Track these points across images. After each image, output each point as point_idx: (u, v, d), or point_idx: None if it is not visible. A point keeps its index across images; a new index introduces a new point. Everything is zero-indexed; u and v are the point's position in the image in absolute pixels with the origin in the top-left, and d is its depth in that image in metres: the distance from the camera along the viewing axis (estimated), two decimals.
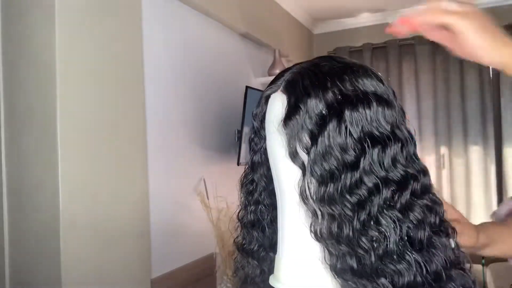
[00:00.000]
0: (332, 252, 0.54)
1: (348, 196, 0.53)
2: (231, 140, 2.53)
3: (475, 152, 3.52)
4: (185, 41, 2.25)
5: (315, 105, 0.56)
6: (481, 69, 3.47)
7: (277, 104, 0.60)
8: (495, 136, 3.43)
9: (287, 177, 0.60)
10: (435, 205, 0.56)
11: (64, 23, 1.45)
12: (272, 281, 0.63)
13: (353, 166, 0.53)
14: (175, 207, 2.12)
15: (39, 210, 1.47)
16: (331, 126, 0.55)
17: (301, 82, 0.58)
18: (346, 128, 0.54)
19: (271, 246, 0.67)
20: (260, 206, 0.67)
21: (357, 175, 0.53)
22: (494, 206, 3.35)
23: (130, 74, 1.74)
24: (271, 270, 0.66)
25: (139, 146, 1.77)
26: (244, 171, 0.70)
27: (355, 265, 0.52)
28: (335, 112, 0.55)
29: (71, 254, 1.45)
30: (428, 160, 3.65)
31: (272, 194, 0.66)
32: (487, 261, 2.38)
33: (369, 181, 0.53)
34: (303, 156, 0.56)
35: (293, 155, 0.57)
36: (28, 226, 1.50)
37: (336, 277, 0.54)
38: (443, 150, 3.63)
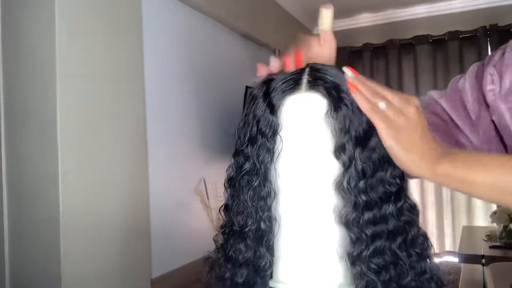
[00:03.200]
0: (358, 238, 0.58)
1: (382, 186, 0.59)
2: (231, 140, 2.52)
3: None
4: (185, 41, 2.25)
5: None
6: None
7: (317, 103, 0.59)
8: None
9: (319, 173, 0.60)
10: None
11: (63, 20, 1.45)
12: (273, 283, 0.63)
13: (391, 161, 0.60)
14: (175, 207, 2.11)
15: (39, 210, 1.47)
16: None
17: (343, 84, 0.60)
18: None
19: (261, 252, 0.65)
20: (251, 212, 0.64)
21: (394, 165, 0.60)
22: (494, 207, 3.35)
23: (130, 74, 1.73)
24: (260, 273, 0.64)
25: (139, 145, 1.77)
26: (230, 178, 0.67)
27: (371, 252, 0.57)
28: None
29: (71, 253, 1.45)
30: None
31: (261, 199, 0.63)
32: (487, 260, 2.38)
33: (399, 171, 0.60)
34: (349, 150, 0.58)
35: (342, 149, 0.58)
36: (28, 225, 1.49)
37: (352, 265, 0.58)
38: None
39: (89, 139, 1.53)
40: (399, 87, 3.71)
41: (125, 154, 1.68)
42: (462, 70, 3.50)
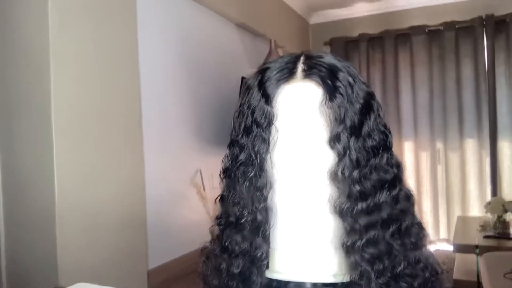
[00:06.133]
0: (352, 228, 0.57)
1: (376, 174, 0.59)
2: (227, 131, 2.52)
3: (470, 144, 3.54)
4: (180, 31, 2.23)
5: (358, 92, 0.60)
6: (476, 58, 3.47)
7: (312, 92, 0.59)
8: (490, 129, 3.45)
9: (314, 163, 0.59)
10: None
11: (57, 10, 1.43)
12: (270, 273, 0.63)
13: (389, 147, 0.61)
14: (171, 199, 2.11)
15: (35, 201, 1.46)
16: (373, 113, 0.60)
17: (339, 73, 0.59)
18: (379, 115, 0.62)
19: (257, 242, 0.64)
20: (247, 203, 0.64)
21: (390, 153, 0.61)
22: (489, 197, 3.38)
23: (124, 65, 1.72)
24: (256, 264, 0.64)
25: (135, 136, 1.76)
26: (225, 169, 0.67)
27: (365, 242, 0.57)
28: (373, 100, 0.61)
29: (67, 243, 1.45)
30: (424, 155, 3.67)
31: (257, 189, 0.63)
32: (481, 250, 2.41)
33: (395, 159, 0.61)
34: (343, 139, 0.58)
35: (336, 138, 0.58)
36: (24, 216, 1.49)
37: (346, 255, 0.58)
38: (439, 145, 3.64)
39: (83, 131, 1.52)
40: (395, 77, 3.70)
41: (120, 145, 1.67)
42: (458, 61, 3.51)
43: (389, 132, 0.62)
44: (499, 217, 2.76)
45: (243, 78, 2.40)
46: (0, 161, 1.53)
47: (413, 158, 3.69)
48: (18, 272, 1.52)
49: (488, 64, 3.46)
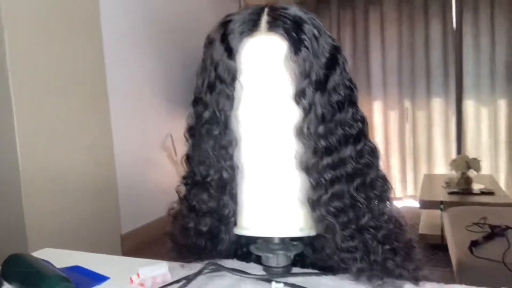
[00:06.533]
0: (318, 183, 0.57)
1: (341, 129, 0.58)
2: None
3: (437, 103, 3.62)
4: None
5: (324, 46, 0.58)
6: (445, 18, 3.49)
7: (277, 46, 0.57)
8: (457, 88, 3.53)
9: (280, 119, 0.58)
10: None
11: None
12: (237, 230, 0.64)
13: (354, 102, 0.60)
14: (142, 164, 2.09)
15: None
16: (339, 67, 0.59)
17: (304, 25, 0.58)
18: (345, 70, 0.60)
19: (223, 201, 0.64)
20: (212, 162, 0.63)
21: (355, 108, 0.60)
22: (454, 155, 3.50)
23: (86, 26, 1.64)
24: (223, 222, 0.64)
25: (100, 100, 1.71)
26: (190, 127, 0.65)
27: (330, 196, 0.57)
28: (339, 54, 0.60)
29: (35, 212, 1.42)
30: (393, 114, 3.74)
31: (223, 148, 0.62)
32: (445, 206, 2.51)
33: (360, 114, 0.60)
34: (309, 94, 0.57)
35: (302, 94, 0.56)
36: None
37: (312, 209, 0.58)
38: (407, 103, 3.71)
39: (45, 94, 1.46)
40: (365, 38, 3.70)
41: (85, 109, 1.62)
42: (427, 20, 3.53)
43: (355, 87, 0.61)
44: (463, 174, 2.87)
45: None
46: None
47: (381, 118, 3.76)
48: None
49: (456, 24, 3.49)
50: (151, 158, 2.15)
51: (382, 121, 3.76)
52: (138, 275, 0.64)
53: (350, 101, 0.59)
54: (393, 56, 3.67)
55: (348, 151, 0.58)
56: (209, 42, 0.62)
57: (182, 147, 2.20)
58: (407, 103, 3.70)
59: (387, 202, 0.62)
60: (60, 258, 0.74)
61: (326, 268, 0.63)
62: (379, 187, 0.61)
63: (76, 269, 0.72)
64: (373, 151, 0.61)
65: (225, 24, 0.61)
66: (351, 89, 0.60)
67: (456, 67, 3.50)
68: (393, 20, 3.63)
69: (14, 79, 1.35)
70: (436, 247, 2.55)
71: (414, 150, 3.74)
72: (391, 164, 3.81)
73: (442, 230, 2.50)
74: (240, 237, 0.66)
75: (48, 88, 1.47)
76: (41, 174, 1.45)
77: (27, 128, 1.39)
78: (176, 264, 0.66)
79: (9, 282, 0.64)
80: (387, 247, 0.58)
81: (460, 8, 3.44)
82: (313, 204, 0.59)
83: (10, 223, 1.43)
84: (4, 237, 1.44)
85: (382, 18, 3.66)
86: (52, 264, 0.67)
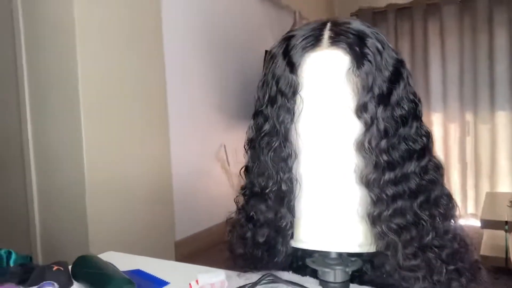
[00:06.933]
0: (379, 198, 0.57)
1: (405, 144, 0.57)
2: (251, 106, 2.51)
3: (502, 118, 3.41)
4: (203, 6, 2.21)
5: (387, 59, 0.58)
6: (511, 28, 3.31)
7: (339, 60, 0.57)
8: None
9: (340, 133, 0.58)
10: None
11: None
12: (294, 243, 0.64)
13: (418, 117, 0.59)
14: (197, 173, 2.14)
15: (66, 175, 1.51)
16: (403, 81, 0.58)
17: (367, 39, 0.58)
18: (409, 83, 0.59)
19: (282, 212, 0.64)
20: (274, 173, 0.63)
21: (419, 123, 0.59)
22: None
23: (149, 40, 1.72)
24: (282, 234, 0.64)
25: (160, 112, 1.78)
26: (250, 139, 0.65)
27: (392, 212, 0.56)
28: (403, 67, 0.59)
29: (97, 215, 1.49)
30: (453, 127, 3.57)
31: (282, 160, 0.62)
32: (511, 226, 2.36)
33: (425, 129, 0.60)
34: (371, 109, 0.56)
35: (363, 107, 0.56)
36: (55, 189, 1.54)
37: (372, 225, 0.57)
38: (468, 116, 3.53)
39: (110, 105, 1.54)
40: (424, 50, 3.58)
41: (146, 122, 1.69)
42: (491, 31, 3.35)
43: (419, 100, 0.60)
44: None
45: (266, 51, 2.37)
46: (32, 137, 1.58)
47: (441, 131, 3.60)
48: (51, 241, 1.59)
49: None
50: (205, 167, 2.20)
51: (442, 134, 3.60)
52: (197, 281, 0.65)
53: (415, 115, 0.58)
54: (454, 67, 3.52)
55: (411, 166, 0.57)
56: (271, 57, 0.63)
57: (234, 157, 2.24)
58: (469, 116, 3.52)
59: (452, 221, 0.60)
60: (123, 261, 0.78)
61: (386, 286, 0.61)
62: (443, 204, 0.59)
63: (138, 273, 0.75)
64: (438, 167, 0.60)
65: (287, 39, 0.61)
66: (415, 103, 0.59)
67: None
68: (454, 31, 3.48)
69: (83, 92, 1.44)
70: (500, 270, 2.39)
71: (476, 165, 3.55)
72: (451, 180, 3.63)
73: (507, 252, 2.34)
74: (296, 249, 0.66)
75: (113, 102, 1.56)
76: (104, 181, 1.52)
77: (93, 138, 1.48)
78: (233, 273, 0.67)
79: (78, 281, 0.68)
80: (452, 267, 0.56)
81: None
82: (374, 219, 0.57)
83: (74, 227, 1.51)
84: (68, 239, 1.53)
85: (442, 29, 3.52)
86: (116, 267, 0.70)
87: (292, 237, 0.66)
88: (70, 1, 1.42)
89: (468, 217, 3.63)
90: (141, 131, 1.68)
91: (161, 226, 1.79)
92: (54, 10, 1.47)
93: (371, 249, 0.60)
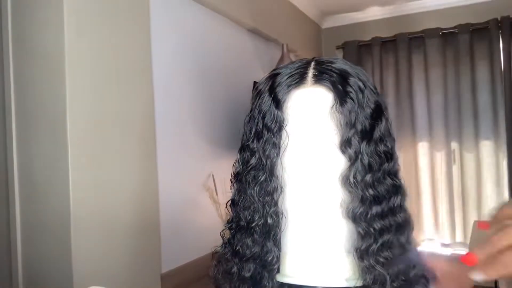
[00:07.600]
0: (367, 232, 0.58)
1: (389, 179, 0.60)
2: (239, 136, 2.53)
3: (486, 146, 3.48)
4: (192, 37, 2.25)
5: (369, 97, 0.60)
6: (492, 61, 3.42)
7: (323, 97, 0.59)
8: (507, 130, 3.39)
9: (326, 167, 0.59)
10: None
11: (72, 21, 1.46)
12: (280, 277, 0.63)
13: (394, 154, 0.62)
14: (184, 203, 2.13)
15: (50, 207, 1.48)
16: (384, 119, 0.62)
17: (349, 78, 0.60)
18: (388, 122, 0.63)
19: (267, 246, 0.64)
20: (257, 207, 0.64)
21: (396, 161, 0.62)
22: (507, 199, 3.31)
23: (138, 71, 1.74)
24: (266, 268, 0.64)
25: (148, 142, 1.78)
26: (236, 173, 0.66)
27: (380, 246, 0.57)
28: (384, 106, 0.62)
29: (82, 249, 1.46)
30: (439, 155, 3.62)
31: (268, 194, 0.63)
32: None
33: (398, 168, 0.62)
34: (355, 144, 0.58)
35: (347, 143, 0.58)
36: (39, 221, 1.51)
37: (360, 259, 0.58)
38: (454, 145, 3.59)
39: (98, 137, 1.54)
40: (409, 82, 3.67)
41: (134, 151, 1.69)
42: (473, 64, 3.46)
43: (394, 139, 0.65)
44: None
45: (255, 82, 2.40)
46: (17, 166, 1.56)
47: (428, 159, 3.64)
48: (33, 275, 1.54)
49: (504, 67, 3.40)
50: (193, 197, 2.19)
51: (429, 162, 3.64)
52: None
53: (394, 151, 0.61)
54: (439, 98, 3.60)
55: (398, 200, 0.58)
56: (257, 94, 0.65)
57: (222, 187, 2.23)
58: (454, 144, 3.59)
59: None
60: None
61: None
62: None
63: None
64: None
65: (273, 77, 0.64)
66: (393, 139, 0.62)
67: (506, 109, 3.38)
68: (437, 63, 3.58)
69: (71, 121, 1.44)
70: None
71: (463, 194, 3.58)
72: (439, 208, 3.65)
73: (496, 282, 2.34)
74: (283, 284, 0.66)
75: (101, 131, 1.56)
76: (90, 213, 1.50)
77: (80, 169, 1.47)
78: None
79: None
80: None
81: (508, 50, 3.37)
82: (361, 253, 0.58)
83: (57, 258, 1.48)
84: (51, 271, 1.49)
85: (426, 61, 3.62)
86: None
87: (278, 271, 0.65)
88: (61, 32, 1.44)
89: (456, 245, 3.63)
90: (129, 162, 1.67)
91: (147, 257, 1.75)
92: (44, 41, 1.49)
93: (358, 283, 0.60)
